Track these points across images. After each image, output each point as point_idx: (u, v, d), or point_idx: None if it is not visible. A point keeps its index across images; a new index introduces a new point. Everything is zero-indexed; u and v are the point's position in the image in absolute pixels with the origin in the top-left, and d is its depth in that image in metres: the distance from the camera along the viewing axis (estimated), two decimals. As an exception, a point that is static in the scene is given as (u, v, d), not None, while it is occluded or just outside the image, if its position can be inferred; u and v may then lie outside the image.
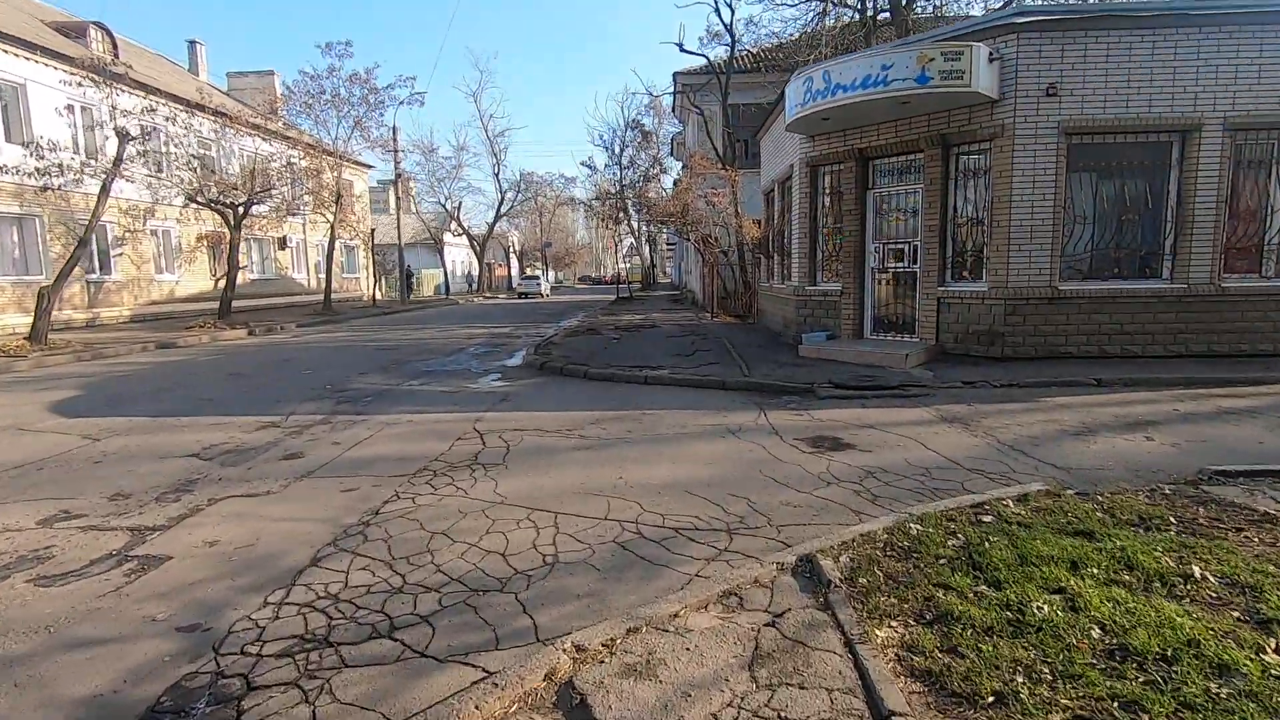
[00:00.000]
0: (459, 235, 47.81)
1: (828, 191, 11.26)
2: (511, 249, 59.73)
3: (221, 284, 26.57)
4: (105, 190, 14.17)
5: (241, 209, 20.45)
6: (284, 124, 25.80)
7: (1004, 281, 9.02)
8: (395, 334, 17.55)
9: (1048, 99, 8.65)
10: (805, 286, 11.51)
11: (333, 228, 25.94)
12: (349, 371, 10.78)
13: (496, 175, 44.35)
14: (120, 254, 21.19)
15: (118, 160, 14.27)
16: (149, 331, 18.02)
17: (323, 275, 34.68)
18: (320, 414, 7.55)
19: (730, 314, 18.56)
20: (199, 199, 19.67)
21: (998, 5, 18.20)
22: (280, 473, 5.34)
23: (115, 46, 23.37)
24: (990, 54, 8.54)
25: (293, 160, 25.98)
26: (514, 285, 59.40)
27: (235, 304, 26.17)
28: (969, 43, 8.39)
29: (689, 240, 21.73)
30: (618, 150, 26.92)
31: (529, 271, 54.95)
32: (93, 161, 13.79)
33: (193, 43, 31.82)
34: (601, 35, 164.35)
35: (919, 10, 18.04)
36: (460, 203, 45.23)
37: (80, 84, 16.37)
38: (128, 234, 21.32)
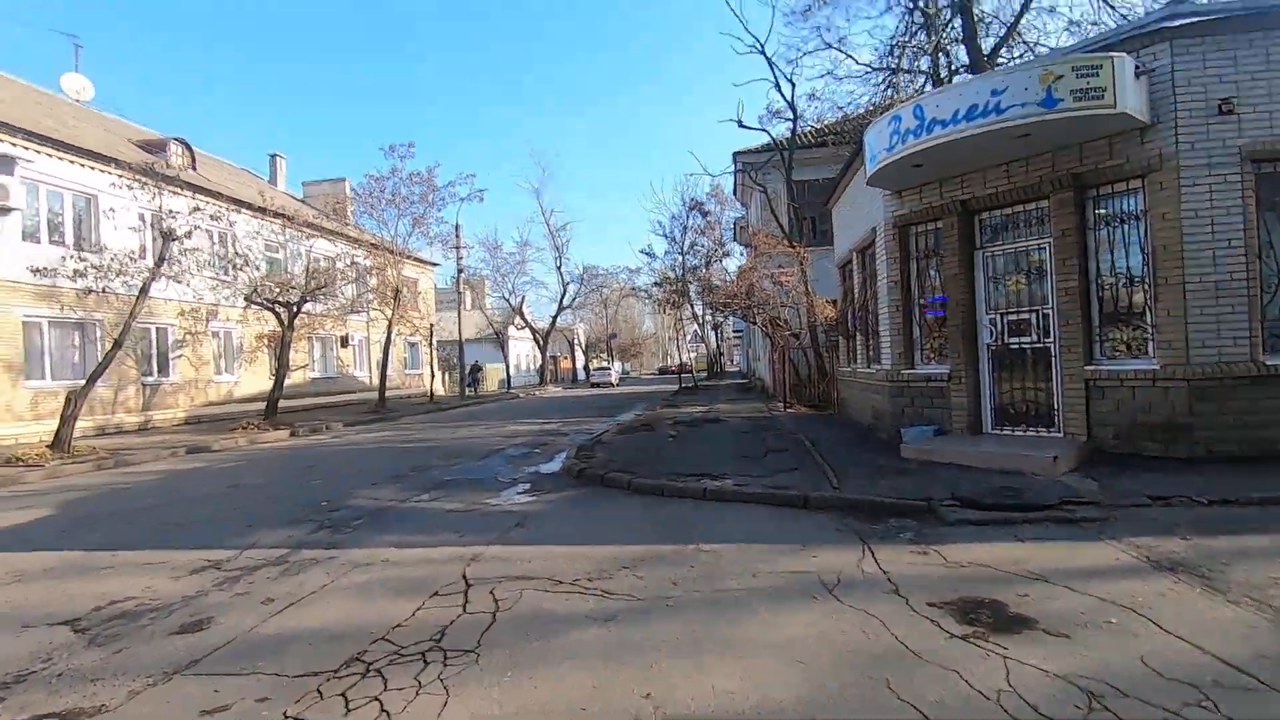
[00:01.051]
0: (522, 329, 47.75)
1: (922, 254, 9.34)
2: (576, 342, 59.51)
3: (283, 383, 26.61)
4: (144, 291, 13.74)
5: (295, 308, 20.13)
6: (340, 223, 26.12)
7: (1183, 357, 6.73)
8: (439, 433, 16.21)
9: (1221, 119, 6.62)
10: (900, 370, 9.40)
11: (390, 324, 25.60)
12: (362, 481, 9.26)
13: (559, 268, 44.36)
14: (179, 356, 21.15)
15: (160, 260, 13.92)
16: (193, 434, 17.37)
17: (389, 373, 34.70)
18: (284, 547, 5.90)
19: (805, 404, 16.40)
20: (254, 299, 19.47)
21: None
22: (152, 661, 3.61)
23: (194, 159, 24.48)
24: (1136, 68, 6.67)
25: (356, 260, 26.22)
26: (578, 377, 58.89)
27: (292, 403, 25.94)
28: (1108, 54, 6.55)
29: (755, 324, 19.97)
30: (677, 235, 25.94)
31: (598, 363, 55.53)
32: (131, 262, 13.50)
33: (273, 156, 33.62)
34: (660, 128, 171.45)
35: (1004, 61, 16.43)
36: (524, 297, 45.36)
37: (152, 194, 16.58)
38: (188, 336, 21.34)
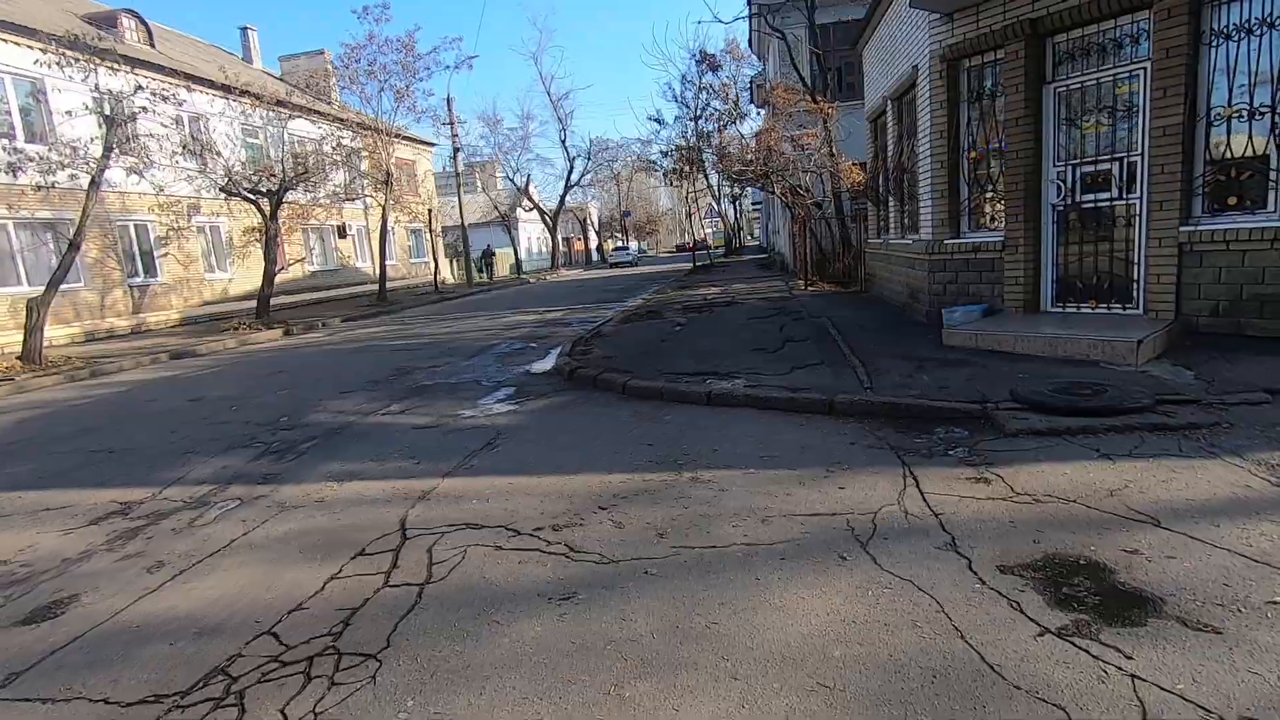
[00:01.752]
0: (530, 210, 45.68)
1: (976, 96, 7.62)
2: (589, 221, 57.25)
3: (279, 278, 25.61)
4: (94, 184, 12.42)
5: (277, 197, 18.67)
6: (322, 100, 23.97)
7: (1318, 209, 5.26)
8: (434, 328, 15.24)
9: None
10: (944, 240, 7.97)
11: (384, 210, 24.08)
12: (334, 388, 8.36)
13: (564, 142, 41.62)
14: (165, 254, 20.09)
15: (106, 149, 12.46)
16: (183, 337, 16.62)
17: (389, 264, 33.43)
18: (213, 482, 5.02)
19: (829, 281, 15.00)
20: (230, 189, 18.03)
21: None
22: (-37, 675, 2.75)
23: (150, 35, 22.19)
24: None
25: (343, 141, 24.30)
26: (592, 259, 57.15)
27: (292, 299, 25.06)
28: None
29: (773, 193, 18.16)
30: (688, 99, 23.41)
31: (615, 244, 53.91)
32: (74, 152, 12.09)
33: (244, 29, 30.73)
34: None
35: None
36: (529, 175, 42.97)
37: (86, 73, 14.78)
38: (171, 232, 20.15)
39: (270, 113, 22.71)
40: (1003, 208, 7.35)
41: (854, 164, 14.92)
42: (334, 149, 24.05)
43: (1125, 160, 6.43)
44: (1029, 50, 6.81)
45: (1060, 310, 7.09)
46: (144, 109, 13.34)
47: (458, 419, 6.34)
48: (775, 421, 5.29)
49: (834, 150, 15.60)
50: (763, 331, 9.04)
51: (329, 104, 26.68)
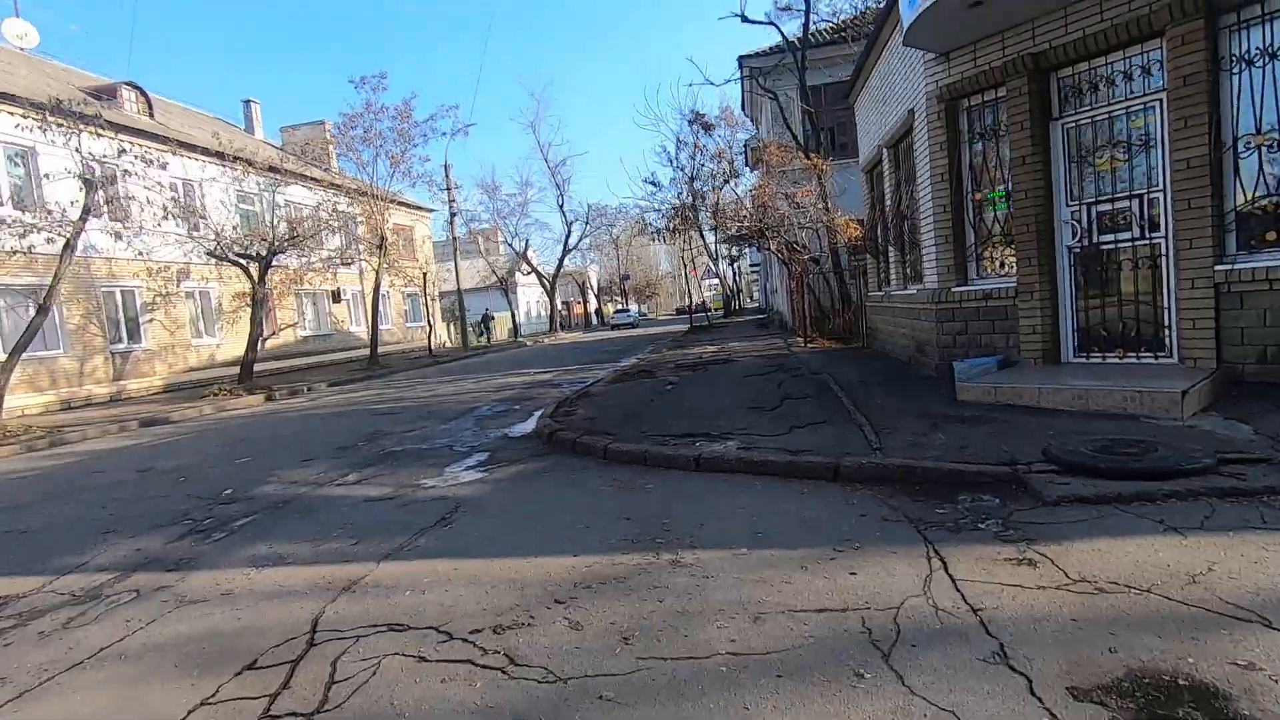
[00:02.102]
0: (529, 274, 45.81)
1: (978, 136, 7.21)
2: (588, 285, 57.49)
3: (270, 343, 25.22)
4: (69, 248, 12.06)
5: (266, 261, 18.40)
6: (322, 168, 24.10)
7: (1373, 241, 4.70)
8: (420, 391, 14.62)
9: None
10: (950, 288, 7.42)
11: (377, 274, 23.86)
12: (295, 457, 7.68)
13: (561, 207, 41.93)
14: (151, 320, 19.70)
15: (85, 212, 12.17)
16: (163, 404, 15.99)
17: (385, 327, 33.18)
18: (116, 570, 4.29)
19: (829, 337, 14.46)
20: (218, 253, 17.79)
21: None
22: None
23: (150, 106, 22.51)
24: None
25: (338, 206, 24.31)
26: (591, 322, 57.14)
27: (281, 365, 24.55)
28: None
29: (770, 251, 17.87)
30: (684, 161, 23.51)
31: (616, 307, 54.48)
32: (49, 215, 11.81)
33: (247, 101, 31.41)
34: (660, 55, 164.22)
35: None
36: (528, 240, 43.26)
37: (69, 136, 14.71)
38: (159, 298, 19.84)
39: (265, 179, 22.90)
40: (1013, 253, 6.83)
41: (850, 218, 14.64)
42: (330, 214, 24.14)
43: (1145, 197, 5.93)
44: (1032, 86, 6.42)
45: (1083, 360, 6.46)
46: (127, 172, 13.17)
47: (417, 489, 5.64)
48: (772, 489, 4.59)
49: (829, 205, 15.35)
50: (759, 389, 8.39)
51: (326, 170, 26.90)
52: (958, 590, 2.85)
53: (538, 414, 8.96)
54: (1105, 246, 6.23)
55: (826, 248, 16.09)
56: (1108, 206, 6.19)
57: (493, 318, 41.30)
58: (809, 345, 14.10)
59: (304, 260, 22.66)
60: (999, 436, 4.91)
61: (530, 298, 52.41)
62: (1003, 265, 7.07)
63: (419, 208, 35.42)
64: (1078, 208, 6.39)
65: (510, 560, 3.75)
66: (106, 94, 21.03)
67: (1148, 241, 5.94)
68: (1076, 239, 6.39)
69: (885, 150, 9.64)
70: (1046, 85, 6.46)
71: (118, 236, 14.03)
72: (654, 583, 3.26)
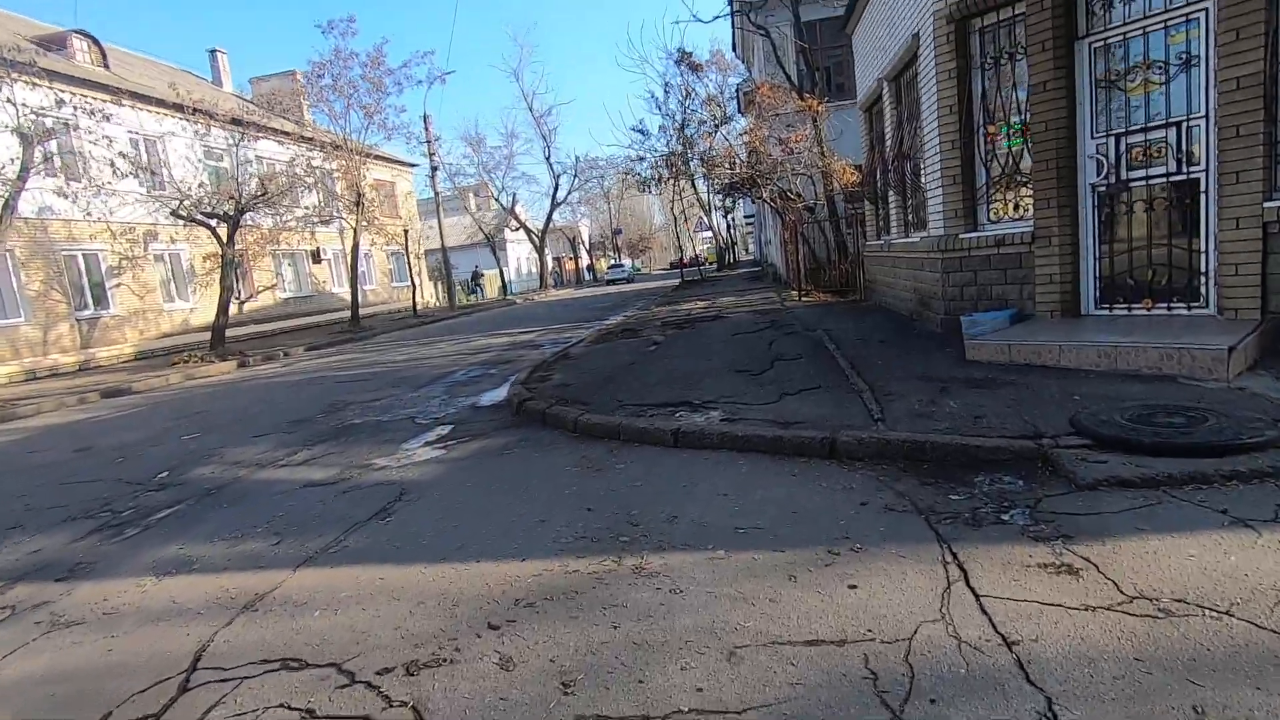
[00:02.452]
0: (517, 230, 44.66)
1: (992, 62, 6.41)
2: (579, 240, 56.26)
3: (248, 307, 24.46)
4: (9, 207, 11.23)
5: (235, 220, 17.49)
6: (267, 116, 22.84)
7: None
8: (397, 354, 13.97)
9: None
10: (959, 234, 6.72)
11: (355, 232, 22.93)
12: (246, 433, 7.09)
13: (548, 160, 40.55)
14: (118, 285, 18.88)
15: (23, 170, 11.29)
16: (129, 372, 15.32)
17: (369, 288, 32.33)
18: (2, 578, 3.72)
19: (824, 290, 13.77)
20: (182, 212, 16.87)
21: None
22: None
23: (104, 56, 21.18)
24: None
25: (313, 162, 23.19)
26: (583, 278, 56.16)
27: (261, 328, 23.83)
28: None
29: (763, 200, 17.02)
30: (672, 107, 22.33)
31: (610, 262, 53.83)
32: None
33: (213, 52, 29.84)
34: None
35: None
36: (515, 195, 41.99)
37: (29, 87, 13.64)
38: (125, 261, 18.97)
39: (234, 134, 21.77)
40: (1030, 193, 6.12)
41: (847, 162, 13.81)
42: (305, 170, 23.05)
43: (1184, 125, 5.20)
44: (1055, 0, 5.61)
45: (1106, 313, 5.82)
46: (70, 126, 12.24)
47: (366, 470, 5.05)
48: (759, 469, 4.00)
49: (824, 149, 14.48)
50: (749, 349, 7.76)
51: (299, 124, 25.63)
52: (984, 612, 2.27)
53: (512, 379, 8.34)
54: (1134, 183, 5.53)
55: (822, 195, 15.27)
56: (1139, 138, 5.46)
57: (483, 275, 40.39)
58: (803, 299, 13.43)
59: (278, 219, 21.73)
60: (1018, 403, 4.30)
61: (520, 254, 51.31)
62: (1017, 208, 6.37)
63: (400, 162, 34.15)
64: (1104, 140, 5.66)
65: (446, 566, 3.17)
66: (56, 43, 19.76)
67: (1185, 176, 5.24)
68: (1102, 175, 5.68)
69: (886, 84, 8.80)
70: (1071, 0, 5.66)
71: (65, 195, 13.17)
72: (611, 599, 2.68)
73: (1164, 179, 5.36)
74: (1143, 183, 5.48)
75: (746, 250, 68.14)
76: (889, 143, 8.98)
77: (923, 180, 7.60)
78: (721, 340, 8.68)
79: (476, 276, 39.62)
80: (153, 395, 11.89)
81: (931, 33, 6.61)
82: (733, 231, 55.06)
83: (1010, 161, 6.33)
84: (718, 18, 18.43)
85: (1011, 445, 3.65)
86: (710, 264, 47.51)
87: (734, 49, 23.53)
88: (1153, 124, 5.38)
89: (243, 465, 5.65)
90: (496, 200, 42.22)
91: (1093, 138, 5.71)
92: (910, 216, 8.59)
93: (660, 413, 5.27)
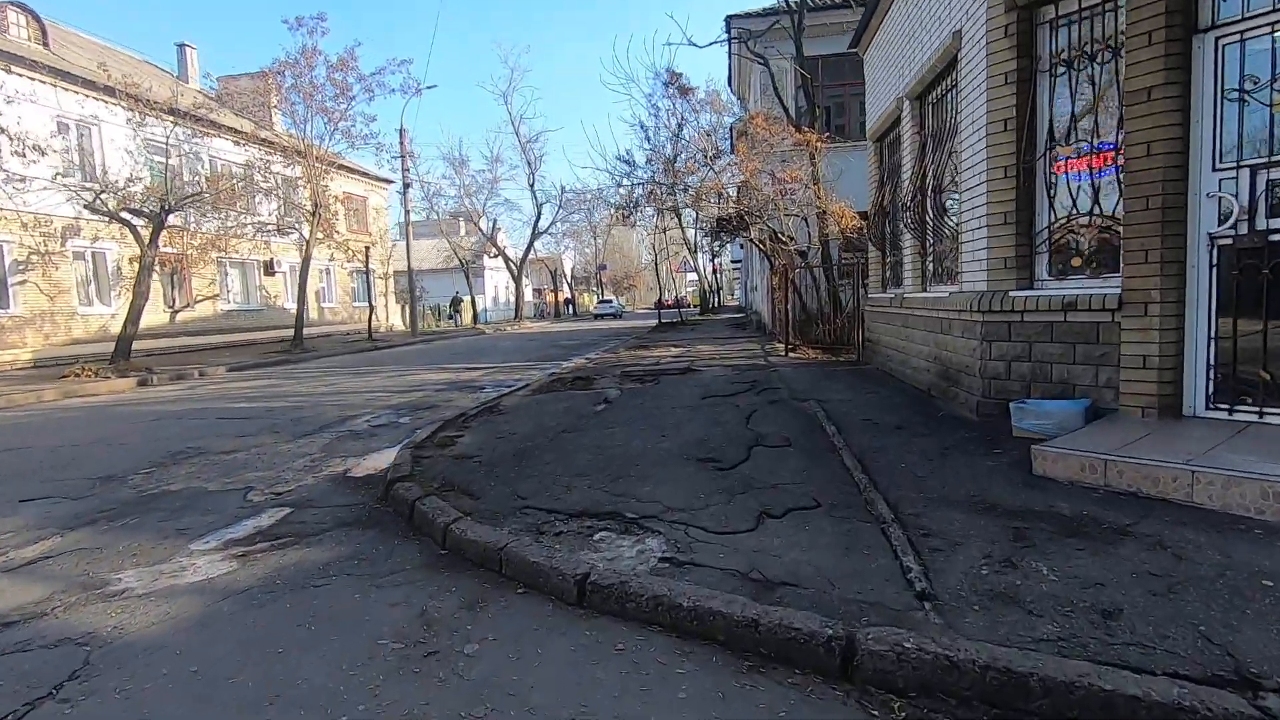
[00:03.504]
0: (495, 257, 42.98)
1: (1064, 63, 4.79)
2: (560, 272, 54.75)
3: (185, 317, 22.29)
4: None
5: (161, 220, 15.54)
6: (223, 112, 21.13)
7: None
8: (313, 385, 11.99)
9: None
10: (1008, 292, 5.01)
11: (308, 245, 21.03)
12: (26, 488, 5.13)
13: (532, 187, 39.11)
14: (23, 282, 16.73)
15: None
16: (4, 384, 13.13)
17: (328, 306, 30.26)
18: None
19: (815, 346, 12.08)
20: (99, 207, 14.92)
21: None
22: None
23: (44, 34, 19.37)
24: None
25: (273, 167, 21.38)
26: (561, 312, 54.51)
27: (194, 341, 21.69)
28: None
29: (750, 240, 15.47)
30: (661, 139, 21.00)
31: (600, 296, 53.42)
32: None
33: (182, 46, 28.16)
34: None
35: None
36: (495, 221, 40.43)
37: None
38: (35, 256, 16.87)
39: (186, 130, 20.00)
40: (1115, 239, 4.45)
41: (847, 204, 12.31)
42: (263, 175, 21.29)
43: (1367, 156, 3.57)
44: (1168, -21, 4.02)
45: (1223, 415, 4.10)
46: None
47: (90, 597, 3.12)
48: (712, 689, 2.14)
49: (820, 189, 12.99)
50: (720, 422, 5.92)
51: (260, 125, 23.86)
52: None
53: (406, 441, 6.42)
54: (1275, 236, 3.87)
55: (816, 239, 13.72)
56: (1290, 172, 3.82)
57: (462, 301, 38.53)
58: (791, 354, 11.72)
59: (223, 224, 19.84)
60: (1165, 583, 2.50)
61: (499, 282, 49.54)
62: (1092, 262, 4.69)
63: (374, 177, 32.45)
64: (1231, 174, 4.02)
65: None
66: (-12, 15, 17.93)
67: (1363, 231, 3.58)
68: (1227, 224, 4.02)
69: (907, 103, 7.21)
70: (1192, -24, 4.07)
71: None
72: None
73: (1326, 233, 3.71)
74: (1291, 236, 3.82)
75: (732, 295, 67.07)
76: (907, 175, 7.35)
77: (954, 220, 5.95)
78: (688, 405, 6.84)
79: (456, 302, 37.73)
80: (3, 418, 9.77)
81: (984, 24, 5.00)
82: (719, 275, 53.92)
83: (1089, 198, 4.66)
84: (714, 43, 17.10)
85: (1206, 705, 1.83)
86: (694, 306, 46.07)
87: (729, 83, 22.32)
88: (1312, 153, 3.75)
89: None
90: (478, 226, 40.61)
91: (1215, 169, 4.07)
92: (932, 266, 6.92)
93: (573, 529, 3.41)
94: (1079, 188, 4.66)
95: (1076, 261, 4.71)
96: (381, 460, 5.71)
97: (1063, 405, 4.38)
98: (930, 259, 6.91)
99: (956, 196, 6.01)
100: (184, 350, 19.94)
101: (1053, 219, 4.80)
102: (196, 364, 16.00)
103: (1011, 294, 4.97)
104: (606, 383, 8.76)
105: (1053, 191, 4.80)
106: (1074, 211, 4.69)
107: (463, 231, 43.71)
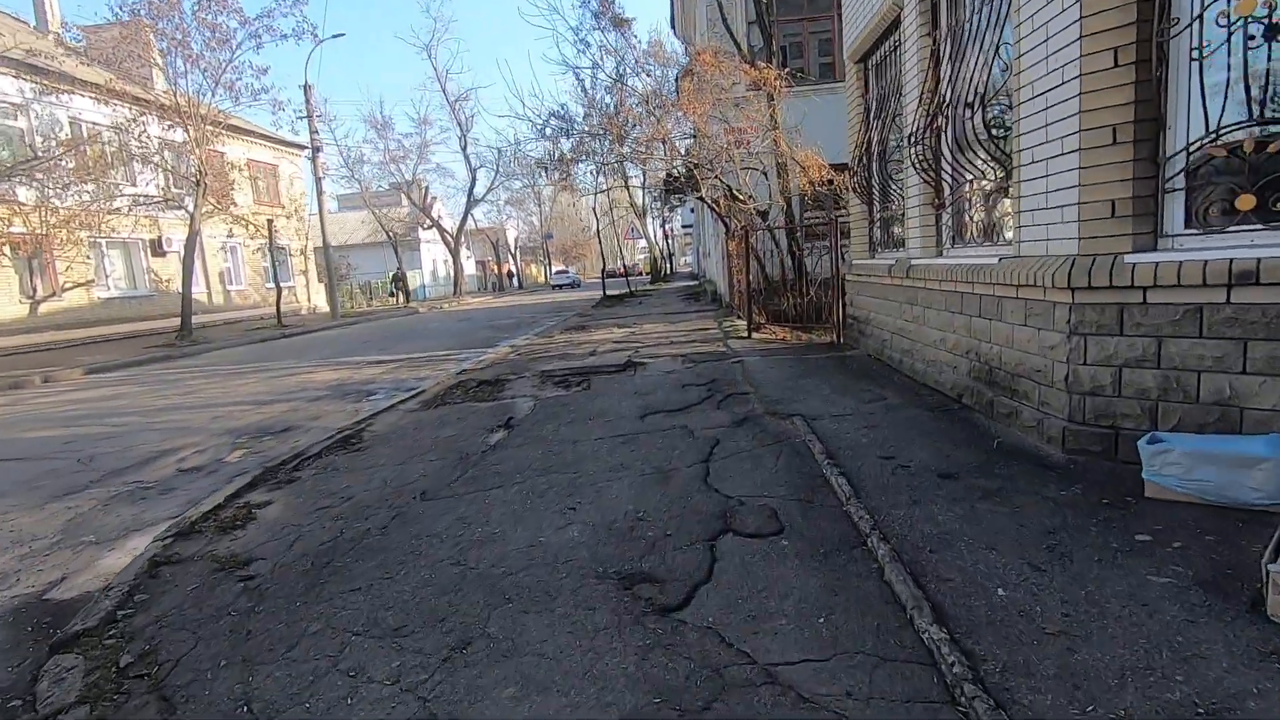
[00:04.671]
0: (430, 229, 39.89)
1: None
2: (503, 244, 51.73)
3: (49, 308, 19.20)
4: None
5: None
6: (84, 64, 17.98)
7: None
8: (170, 394, 9.59)
9: None
10: (1119, 256, 3.11)
11: (193, 218, 18.14)
12: None
13: (464, 151, 36.01)
14: None
15: None
16: None
17: (235, 289, 27.09)
18: None
19: (782, 323, 10.18)
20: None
21: None
22: None
23: None
24: None
25: (148, 129, 18.30)
26: (505, 285, 51.76)
27: (62, 335, 18.71)
28: None
29: (700, 197, 13.41)
30: (599, 94, 18.57)
31: (558, 268, 51.34)
32: None
33: (39, -9, 24.18)
34: None
35: None
36: (428, 189, 37.31)
37: None
38: None
39: (33, 86, 16.86)
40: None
41: (815, 152, 10.38)
42: (139, 139, 18.29)
43: None
44: None
45: None
46: None
47: None
48: None
49: (780, 138, 11.00)
50: (664, 472, 3.91)
51: (138, 84, 20.50)
52: None
53: (246, 475, 4.24)
54: None
55: (779, 196, 11.77)
56: None
57: (405, 277, 35.48)
58: (755, 334, 9.79)
59: (92, 197, 16.92)
60: None
61: (437, 255, 46.31)
62: (1276, 203, 2.80)
63: (287, 142, 29.07)
64: None
65: None
66: None
67: None
68: None
69: (914, 4, 5.19)
70: None
71: None
72: None
73: None
74: None
75: (684, 260, 64.93)
76: (912, 97, 5.36)
77: (1005, 145, 4.01)
78: (619, 434, 4.79)
79: (398, 279, 34.65)
80: None
81: None
82: (670, 241, 51.70)
83: (1265, 90, 2.75)
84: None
85: None
86: (645, 275, 43.89)
87: (672, 25, 19.97)
88: None
89: None
90: (408, 195, 37.38)
91: None
92: (952, 220, 4.99)
93: None
94: (1263, 71, 2.74)
95: (1247, 203, 2.81)
96: (127, 556, 3.56)
97: (1230, 443, 2.52)
98: (952, 210, 4.97)
99: (1000, 116, 4.06)
100: (40, 348, 16.96)
101: (1206, 130, 2.87)
102: (44, 366, 13.26)
103: (1127, 259, 3.06)
104: (521, 386, 6.68)
105: (1205, 83, 2.86)
106: (1252, 113, 2.76)
107: (405, 203, 40.34)
